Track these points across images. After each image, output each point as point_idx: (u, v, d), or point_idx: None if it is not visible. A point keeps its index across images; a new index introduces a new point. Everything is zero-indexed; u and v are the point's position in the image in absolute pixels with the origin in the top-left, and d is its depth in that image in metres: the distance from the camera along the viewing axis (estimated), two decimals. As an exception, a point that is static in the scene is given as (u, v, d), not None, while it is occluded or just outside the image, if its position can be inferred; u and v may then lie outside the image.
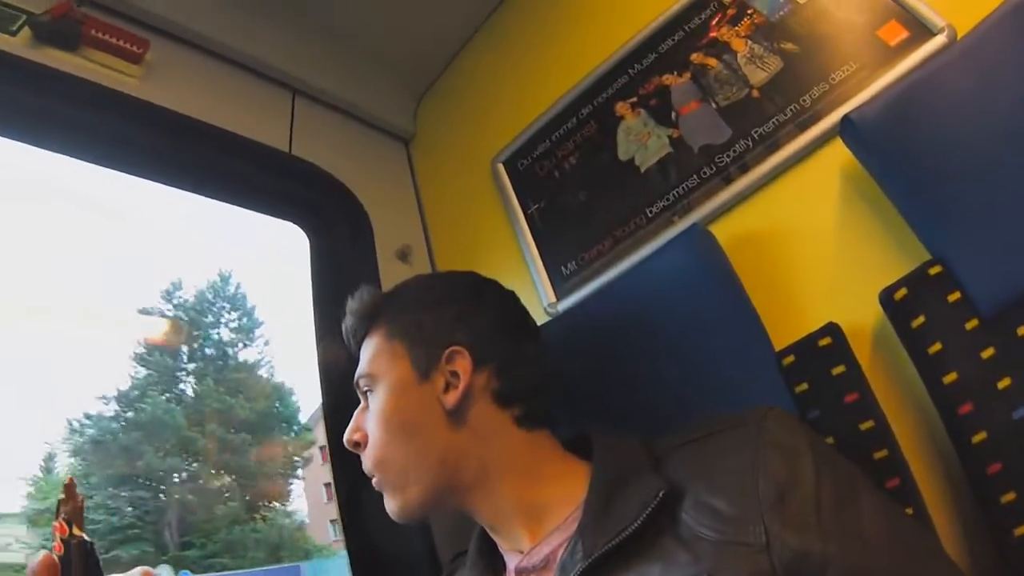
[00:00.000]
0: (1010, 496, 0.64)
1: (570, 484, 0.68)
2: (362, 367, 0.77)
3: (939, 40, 0.87)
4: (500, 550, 0.73)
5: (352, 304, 0.81)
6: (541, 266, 1.22)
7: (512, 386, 0.73)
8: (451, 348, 0.72)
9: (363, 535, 1.07)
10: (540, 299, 1.19)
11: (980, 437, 0.66)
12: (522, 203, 1.29)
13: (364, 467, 0.74)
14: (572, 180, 1.23)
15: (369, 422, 0.74)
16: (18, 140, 0.95)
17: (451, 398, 0.70)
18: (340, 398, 1.14)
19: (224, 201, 1.18)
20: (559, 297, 1.18)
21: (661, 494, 0.58)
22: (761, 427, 0.60)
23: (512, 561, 0.69)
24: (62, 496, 0.61)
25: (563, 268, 1.19)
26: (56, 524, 0.59)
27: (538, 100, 1.31)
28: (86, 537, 0.59)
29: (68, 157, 0.99)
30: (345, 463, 1.11)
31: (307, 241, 1.29)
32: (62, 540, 0.58)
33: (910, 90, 0.80)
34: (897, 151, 0.79)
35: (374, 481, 0.73)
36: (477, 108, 1.46)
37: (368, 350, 0.78)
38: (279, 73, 1.25)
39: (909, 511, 0.67)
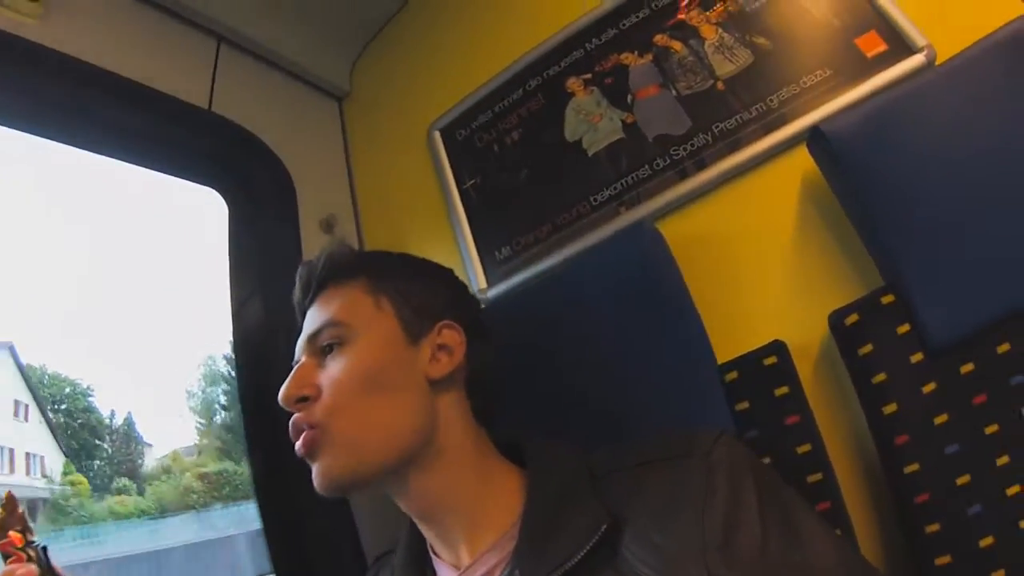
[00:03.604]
0: (934, 527, 0.66)
1: (507, 491, 0.66)
2: (331, 315, 0.69)
3: (918, 59, 0.85)
4: (431, 555, 0.70)
5: (328, 250, 0.75)
6: (473, 247, 1.15)
7: (478, 377, 0.73)
8: (445, 321, 0.71)
9: (282, 520, 1.02)
10: (469, 283, 1.12)
11: (912, 468, 0.68)
12: (457, 176, 1.21)
13: (305, 419, 0.64)
14: (513, 157, 1.16)
15: (329, 375, 0.66)
16: None
17: (441, 368, 0.68)
18: (258, 371, 1.08)
19: (132, 163, 1.04)
20: (490, 283, 1.12)
21: (604, 528, 0.56)
22: (709, 460, 0.58)
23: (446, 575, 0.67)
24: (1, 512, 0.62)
25: (496, 252, 1.13)
26: (9, 536, 0.59)
27: (484, 66, 1.22)
28: (37, 541, 0.60)
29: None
30: (264, 443, 1.05)
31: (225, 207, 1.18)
32: (21, 549, 0.59)
33: (886, 108, 0.77)
34: (865, 171, 0.76)
35: (309, 437, 0.63)
36: (419, 69, 1.35)
37: (337, 300, 0.71)
38: (202, 18, 1.11)
39: (837, 533, 0.68)
